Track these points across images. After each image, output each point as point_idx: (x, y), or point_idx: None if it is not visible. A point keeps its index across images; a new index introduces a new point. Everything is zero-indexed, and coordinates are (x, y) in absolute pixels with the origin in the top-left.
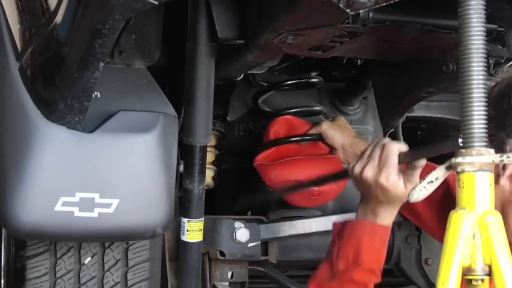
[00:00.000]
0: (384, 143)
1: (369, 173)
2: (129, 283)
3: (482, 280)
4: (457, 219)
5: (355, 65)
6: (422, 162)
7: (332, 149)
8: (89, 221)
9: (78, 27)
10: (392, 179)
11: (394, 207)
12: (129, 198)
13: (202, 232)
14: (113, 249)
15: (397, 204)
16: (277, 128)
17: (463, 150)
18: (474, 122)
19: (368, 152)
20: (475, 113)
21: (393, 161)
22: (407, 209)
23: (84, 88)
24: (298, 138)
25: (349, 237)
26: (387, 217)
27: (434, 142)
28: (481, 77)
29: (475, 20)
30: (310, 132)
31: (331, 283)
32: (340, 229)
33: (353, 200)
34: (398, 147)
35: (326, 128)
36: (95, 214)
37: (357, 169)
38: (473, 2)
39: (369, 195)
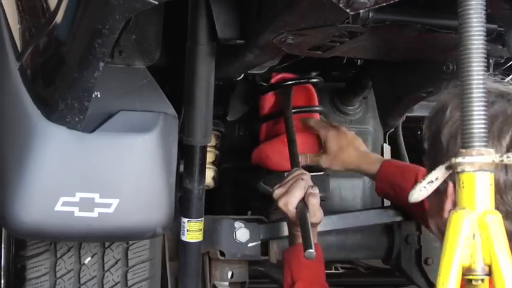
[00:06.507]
0: (300, 175)
1: (279, 198)
2: (129, 283)
3: (482, 280)
4: (457, 219)
5: (355, 65)
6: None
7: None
8: (89, 221)
9: (78, 27)
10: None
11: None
12: (129, 198)
13: (202, 232)
14: (113, 249)
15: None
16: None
17: (463, 150)
18: (474, 122)
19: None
20: (475, 113)
21: (296, 193)
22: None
23: (84, 88)
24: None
25: (285, 266)
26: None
27: None
28: (481, 77)
29: (475, 20)
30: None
31: None
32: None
33: (353, 200)
34: (306, 183)
35: (329, 137)
36: (95, 214)
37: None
38: (473, 2)
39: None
